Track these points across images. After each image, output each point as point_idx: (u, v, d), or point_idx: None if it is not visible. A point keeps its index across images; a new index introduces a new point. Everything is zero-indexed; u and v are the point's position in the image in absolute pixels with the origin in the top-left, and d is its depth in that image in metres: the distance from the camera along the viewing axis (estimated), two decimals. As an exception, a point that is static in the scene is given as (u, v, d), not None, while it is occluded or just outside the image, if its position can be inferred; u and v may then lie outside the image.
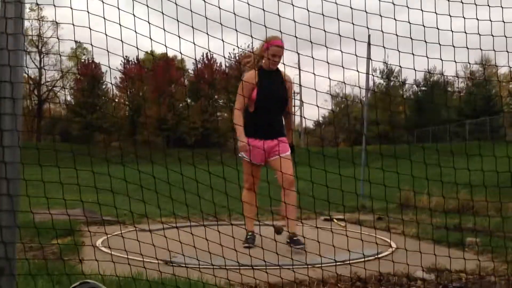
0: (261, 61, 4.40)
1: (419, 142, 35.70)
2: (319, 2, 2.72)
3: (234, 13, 2.61)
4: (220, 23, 2.60)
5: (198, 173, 2.66)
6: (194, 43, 2.56)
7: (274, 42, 4.23)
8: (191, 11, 2.52)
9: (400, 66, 2.98)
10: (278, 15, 2.68)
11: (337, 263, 3.36)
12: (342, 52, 2.82)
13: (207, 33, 2.59)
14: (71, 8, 2.38)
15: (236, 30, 2.65)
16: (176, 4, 2.51)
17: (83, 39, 2.55)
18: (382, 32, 2.86)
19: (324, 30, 2.69)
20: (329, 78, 2.83)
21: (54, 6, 2.42)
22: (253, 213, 4.46)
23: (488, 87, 39.73)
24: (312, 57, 2.75)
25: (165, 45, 2.51)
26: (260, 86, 4.29)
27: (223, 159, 2.80)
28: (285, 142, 4.39)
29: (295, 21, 2.72)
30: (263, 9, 2.64)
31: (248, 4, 2.65)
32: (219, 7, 2.59)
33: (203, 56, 45.35)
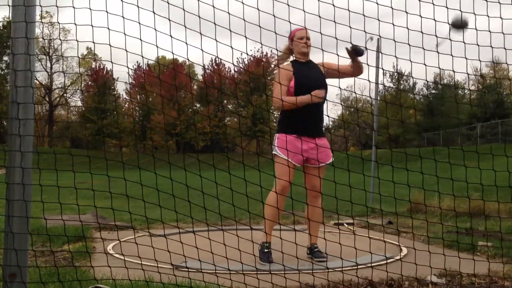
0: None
1: (430, 146, 35.46)
2: (324, 7, 2.72)
3: (250, 20, 2.62)
4: (230, 30, 2.61)
5: (209, 179, 2.67)
6: (200, 49, 2.57)
7: (296, 29, 4.09)
8: (206, 17, 2.54)
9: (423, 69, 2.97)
10: (289, 21, 2.68)
11: (348, 268, 3.35)
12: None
13: (216, 39, 2.60)
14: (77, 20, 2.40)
15: (252, 37, 2.65)
16: (194, 11, 2.53)
17: (94, 45, 2.57)
18: (394, 39, 2.85)
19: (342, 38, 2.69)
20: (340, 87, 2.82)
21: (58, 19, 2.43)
22: (276, 222, 4.02)
23: (499, 90, 39.43)
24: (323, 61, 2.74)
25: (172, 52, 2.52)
26: (297, 75, 4.02)
27: (232, 166, 2.80)
28: (326, 148, 4.07)
29: (305, 25, 2.72)
30: (273, 15, 2.65)
31: (258, 10, 2.66)
32: (228, 12, 2.60)
33: (211, 61, 45.59)
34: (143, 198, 2.64)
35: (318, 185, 3.97)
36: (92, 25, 2.38)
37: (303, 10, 2.71)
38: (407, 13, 2.86)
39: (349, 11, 2.76)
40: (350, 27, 2.78)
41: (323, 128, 4.17)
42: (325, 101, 4.06)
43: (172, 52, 2.52)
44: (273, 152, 4.03)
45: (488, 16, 2.97)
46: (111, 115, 45.23)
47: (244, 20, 2.63)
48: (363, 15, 2.79)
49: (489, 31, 2.94)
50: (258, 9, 2.66)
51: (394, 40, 2.86)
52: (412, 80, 44.99)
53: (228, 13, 2.61)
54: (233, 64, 2.68)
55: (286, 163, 3.89)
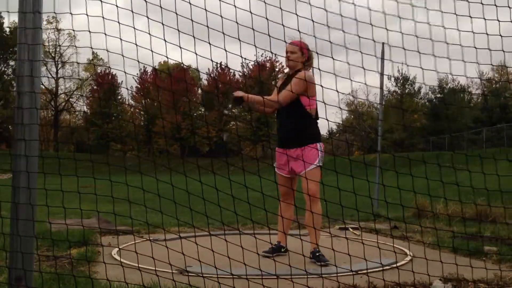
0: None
1: (435, 150, 35.34)
2: (323, 11, 2.72)
3: (258, 28, 2.63)
4: (225, 34, 2.62)
5: (211, 183, 2.67)
6: (196, 54, 2.57)
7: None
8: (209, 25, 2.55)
9: (423, 68, 2.96)
10: (297, 14, 2.69)
11: (353, 273, 3.34)
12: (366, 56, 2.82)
13: (208, 44, 2.60)
14: (87, 16, 2.41)
15: (257, 42, 2.66)
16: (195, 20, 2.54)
17: (100, 50, 2.59)
18: (402, 34, 2.85)
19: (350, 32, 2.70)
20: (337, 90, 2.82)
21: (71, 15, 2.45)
22: (283, 226, 4.34)
23: (504, 94, 39.29)
24: (319, 68, 2.75)
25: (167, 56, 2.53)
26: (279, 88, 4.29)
27: (234, 170, 2.80)
28: (307, 156, 4.11)
29: (313, 22, 2.73)
30: (266, 18, 2.66)
31: (251, 13, 2.66)
32: (234, 18, 2.61)
33: (216, 66, 45.60)
34: (145, 203, 2.65)
35: (306, 191, 4.00)
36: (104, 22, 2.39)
37: (310, 4, 2.72)
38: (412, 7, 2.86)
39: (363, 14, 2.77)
40: (338, 30, 2.78)
41: (306, 138, 4.15)
42: (302, 115, 4.13)
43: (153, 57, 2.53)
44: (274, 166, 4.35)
45: (499, 21, 2.97)
46: (115, 120, 45.40)
47: (258, 27, 2.64)
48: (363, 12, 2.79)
49: (500, 33, 2.94)
50: (271, 10, 2.67)
51: (400, 32, 2.86)
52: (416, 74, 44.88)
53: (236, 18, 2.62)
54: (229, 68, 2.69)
55: (279, 175, 4.31)
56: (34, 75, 2.17)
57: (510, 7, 2.87)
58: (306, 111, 4.14)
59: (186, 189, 2.52)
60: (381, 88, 8.31)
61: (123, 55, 2.43)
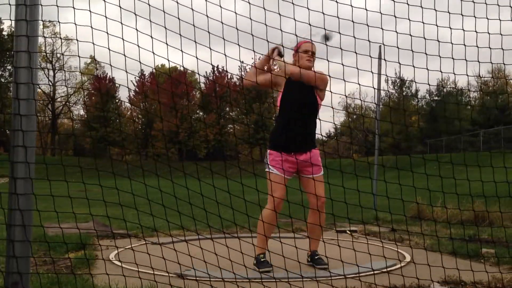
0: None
1: (433, 152, 35.34)
2: (320, 14, 2.73)
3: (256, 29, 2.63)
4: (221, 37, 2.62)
5: (207, 187, 2.67)
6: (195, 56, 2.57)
7: (302, 41, 3.99)
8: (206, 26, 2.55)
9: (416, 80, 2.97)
10: (297, 18, 2.69)
11: (350, 276, 3.33)
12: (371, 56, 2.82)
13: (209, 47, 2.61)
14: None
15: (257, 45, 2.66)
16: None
17: (97, 53, 2.59)
18: (395, 43, 2.86)
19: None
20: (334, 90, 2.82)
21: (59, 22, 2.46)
22: (271, 233, 3.98)
23: (501, 97, 39.37)
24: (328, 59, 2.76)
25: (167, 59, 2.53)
26: (287, 90, 3.99)
27: (232, 173, 2.80)
28: (318, 160, 4.02)
29: (310, 24, 2.73)
30: (265, 24, 2.66)
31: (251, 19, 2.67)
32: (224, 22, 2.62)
33: (213, 69, 45.59)
34: (136, 207, 2.65)
35: (322, 192, 3.97)
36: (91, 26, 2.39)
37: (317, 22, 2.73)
38: (409, 20, 2.87)
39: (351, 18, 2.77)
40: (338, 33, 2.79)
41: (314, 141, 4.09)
42: (315, 117, 4.01)
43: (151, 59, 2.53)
44: (266, 170, 3.98)
45: (487, 21, 2.98)
46: (113, 123, 45.28)
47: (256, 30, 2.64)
48: (357, 20, 2.80)
49: (488, 32, 2.95)
50: (268, 17, 2.67)
51: (401, 39, 2.87)
52: (415, 86, 44.98)
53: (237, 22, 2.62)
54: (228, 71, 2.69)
55: (279, 179, 3.87)
56: (30, 81, 2.16)
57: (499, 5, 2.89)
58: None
59: (174, 194, 2.54)
60: (378, 104, 8.32)
61: (111, 65, 2.43)
